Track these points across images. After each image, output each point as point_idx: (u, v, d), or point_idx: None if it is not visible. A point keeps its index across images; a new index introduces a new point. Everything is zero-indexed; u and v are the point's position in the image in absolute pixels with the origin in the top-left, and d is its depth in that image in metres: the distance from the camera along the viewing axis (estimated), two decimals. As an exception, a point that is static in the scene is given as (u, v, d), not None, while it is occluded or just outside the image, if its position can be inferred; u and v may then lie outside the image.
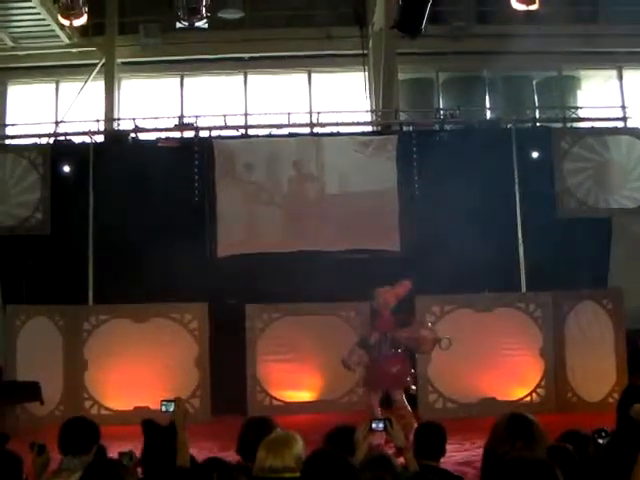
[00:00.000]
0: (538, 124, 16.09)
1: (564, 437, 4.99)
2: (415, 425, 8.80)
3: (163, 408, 5.55)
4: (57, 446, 5.18)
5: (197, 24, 13.40)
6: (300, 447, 4.38)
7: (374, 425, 4.95)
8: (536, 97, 17.96)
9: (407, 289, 10.85)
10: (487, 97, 17.95)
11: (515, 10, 13.03)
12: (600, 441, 4.93)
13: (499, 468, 3.54)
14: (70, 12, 13.23)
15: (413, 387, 10.88)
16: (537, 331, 13.33)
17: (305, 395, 13.37)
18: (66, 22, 13.48)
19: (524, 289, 14.15)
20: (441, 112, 16.32)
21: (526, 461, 3.61)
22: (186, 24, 13.35)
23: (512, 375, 13.08)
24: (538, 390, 13.16)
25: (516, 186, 14.47)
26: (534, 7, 11.74)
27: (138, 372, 12.86)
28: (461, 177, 13.75)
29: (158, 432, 5.57)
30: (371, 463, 4.34)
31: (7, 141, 16.06)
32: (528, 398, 13.08)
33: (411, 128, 15.38)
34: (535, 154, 14.81)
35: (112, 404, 13.11)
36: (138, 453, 5.79)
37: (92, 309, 13.96)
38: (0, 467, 4.27)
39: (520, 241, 14.24)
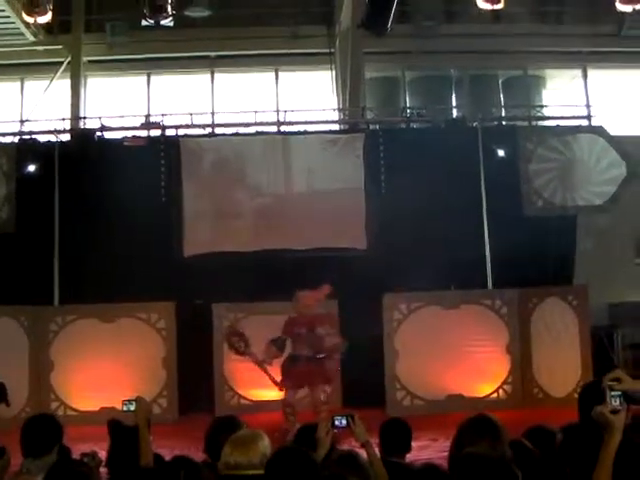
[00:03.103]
0: (504, 122, 16.18)
1: (529, 433, 5.04)
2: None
3: (124, 407, 5.54)
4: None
5: (162, 22, 13.35)
6: (266, 445, 4.40)
7: (337, 421, 4.98)
8: (502, 96, 18.06)
9: (327, 293, 11.12)
10: (454, 96, 18.03)
11: (482, 9, 13.13)
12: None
13: (457, 464, 3.59)
14: (34, 9, 13.12)
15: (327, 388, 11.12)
16: (503, 327, 13.46)
17: (272, 394, 13.34)
18: (30, 19, 13.35)
19: (490, 286, 14.23)
20: (408, 111, 16.39)
21: (482, 457, 3.66)
22: (152, 22, 13.29)
23: (479, 372, 13.19)
24: (505, 386, 13.29)
25: (482, 184, 14.52)
26: (499, 6, 11.83)
27: (105, 372, 12.80)
28: (428, 175, 13.84)
29: (124, 432, 5.55)
30: (338, 461, 4.37)
31: (-30, 140, 15.90)
32: (495, 394, 13.20)
33: (378, 127, 15.40)
34: (501, 152, 14.88)
35: (78, 405, 13.04)
36: (104, 453, 5.78)
37: (58, 309, 13.86)
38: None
39: (486, 238, 14.31)
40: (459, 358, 13.03)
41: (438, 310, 13.38)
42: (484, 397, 13.05)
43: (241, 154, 14.84)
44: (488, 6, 11.87)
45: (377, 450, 5.26)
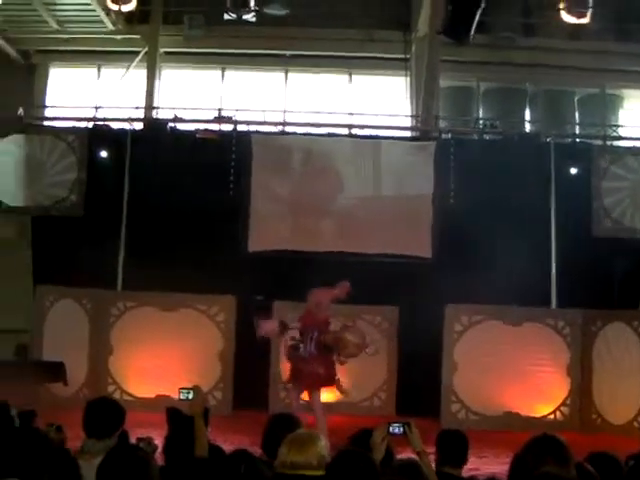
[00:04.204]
0: (578, 140, 15.92)
1: (592, 458, 4.91)
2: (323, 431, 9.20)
3: (182, 396, 5.55)
4: (80, 427, 5.17)
5: (245, 17, 13.39)
6: (323, 446, 4.34)
7: (391, 428, 4.90)
8: (577, 113, 17.77)
9: (346, 291, 10.87)
10: (527, 110, 17.80)
11: (562, 24, 12.92)
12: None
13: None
14: (119, -3, 13.27)
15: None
16: (565, 349, 13.21)
17: (327, 396, 13.29)
18: (115, 7, 13.50)
19: (554, 305, 13.99)
20: (481, 122, 16.22)
21: (556, 477, 3.56)
22: (234, 16, 13.33)
23: (537, 391, 12.96)
24: (562, 408, 13.05)
25: (552, 201, 14.30)
26: (585, 21, 11.60)
27: (162, 360, 12.91)
28: (497, 188, 13.66)
29: (183, 421, 5.54)
30: (400, 469, 4.30)
31: (46, 123, 16.16)
32: (552, 416, 12.96)
33: (450, 136, 15.25)
34: (573, 170, 14.62)
35: (134, 390, 13.18)
36: (157, 441, 5.78)
37: (120, 295, 14.00)
38: (29, 444, 4.22)
39: (553, 256, 14.07)
40: (518, 376, 12.83)
41: (500, 325, 13.20)
42: (541, 417, 12.83)
43: (312, 154, 14.82)
44: (573, 20, 11.64)
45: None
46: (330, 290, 10.82)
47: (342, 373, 13.12)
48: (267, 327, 10.83)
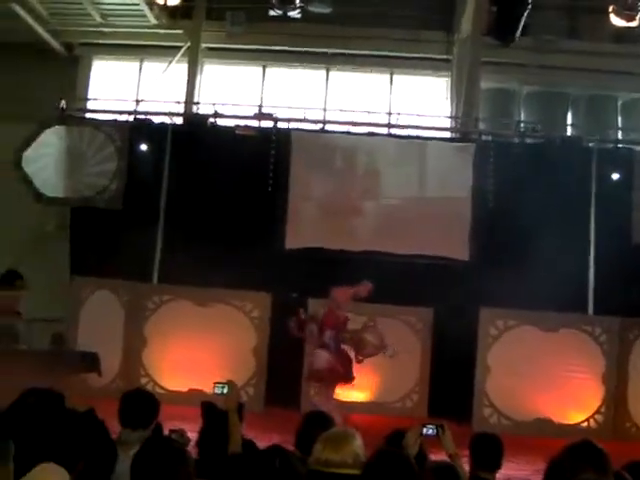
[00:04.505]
0: (620, 145, 15.72)
1: (631, 467, 4.83)
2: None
3: (216, 390, 5.57)
4: (111, 417, 5.19)
5: (290, 13, 13.38)
6: (358, 445, 4.31)
7: (425, 430, 4.89)
8: (620, 118, 17.56)
9: (368, 290, 10.89)
10: (569, 114, 17.61)
11: (606, 27, 12.76)
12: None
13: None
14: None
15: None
16: (601, 356, 13.08)
17: (359, 395, 13.29)
18: (161, 1, 13.56)
19: (591, 312, 13.84)
20: (522, 125, 16.08)
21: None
22: (280, 12, 13.33)
23: (571, 398, 12.84)
24: (596, 416, 12.92)
25: (592, 207, 14.15)
26: (634, 24, 11.44)
27: (195, 355, 12.97)
28: (537, 192, 13.51)
29: (217, 415, 5.55)
30: (436, 471, 4.27)
31: (89, 115, 16.29)
32: (585, 423, 12.84)
33: (490, 138, 15.14)
34: (615, 176, 14.44)
35: (167, 384, 13.25)
36: (189, 434, 5.79)
37: (156, 288, 14.09)
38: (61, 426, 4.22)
39: (591, 262, 13.94)
40: (552, 382, 12.72)
41: (535, 331, 13.09)
42: (574, 425, 12.70)
43: (351, 153, 14.79)
44: (622, 22, 11.48)
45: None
46: (351, 289, 10.90)
47: (375, 373, 13.21)
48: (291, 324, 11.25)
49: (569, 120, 17.56)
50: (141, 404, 5.37)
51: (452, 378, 13.09)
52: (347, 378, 11.13)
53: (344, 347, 11.20)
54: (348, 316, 11.20)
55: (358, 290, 11.04)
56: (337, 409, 10.30)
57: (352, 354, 11.23)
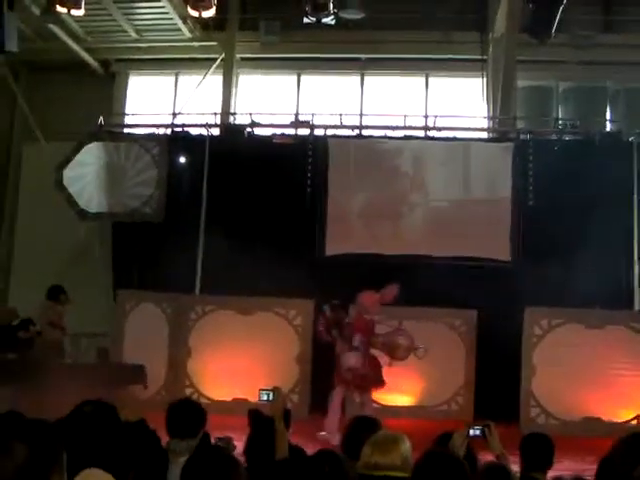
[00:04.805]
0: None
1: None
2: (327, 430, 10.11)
3: (263, 397, 5.59)
4: (159, 428, 5.24)
5: (324, 20, 13.44)
6: (407, 447, 4.31)
7: (472, 431, 4.89)
8: (660, 111, 17.32)
9: (394, 294, 10.86)
10: (608, 109, 17.42)
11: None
12: None
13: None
14: (200, 3, 13.44)
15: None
16: (648, 352, 12.89)
17: (404, 399, 13.25)
18: (195, 13, 13.70)
19: (637, 308, 13.66)
20: (560, 122, 15.94)
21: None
22: (313, 20, 13.39)
23: (619, 396, 12.62)
24: (646, 414, 12.72)
25: (635, 201, 13.98)
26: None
27: (239, 364, 12.99)
28: (577, 189, 13.41)
29: (264, 423, 5.56)
30: (489, 472, 4.24)
31: (127, 130, 16.47)
32: (635, 421, 12.62)
33: (528, 137, 15.03)
34: (657, 171, 14.28)
35: (212, 393, 13.28)
36: (236, 443, 5.81)
37: (199, 299, 14.16)
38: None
39: (636, 258, 13.76)
40: (599, 380, 12.54)
41: (580, 328, 12.91)
42: (623, 423, 12.49)
43: (389, 157, 14.77)
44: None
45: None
46: (378, 293, 10.92)
47: (420, 377, 13.16)
48: (320, 327, 11.40)
49: (608, 115, 17.37)
50: (188, 413, 5.41)
51: (498, 380, 12.98)
52: (378, 382, 11.15)
53: (373, 352, 11.21)
54: (375, 320, 11.22)
55: (384, 294, 11.06)
56: (337, 416, 10.40)
57: (383, 359, 11.24)
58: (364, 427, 5.27)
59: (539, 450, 5.66)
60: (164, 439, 5.31)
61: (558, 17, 10.15)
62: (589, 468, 4.83)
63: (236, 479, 4.09)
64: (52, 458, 3.28)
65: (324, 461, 4.32)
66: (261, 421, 5.68)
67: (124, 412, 4.67)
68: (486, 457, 5.10)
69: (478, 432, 4.97)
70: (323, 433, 10.47)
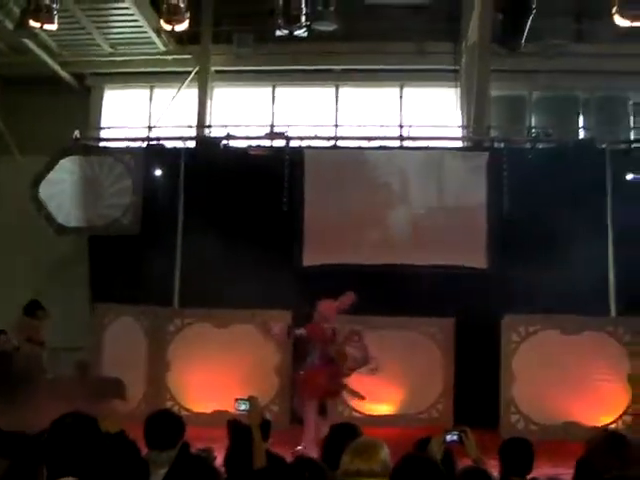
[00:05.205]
0: (634, 146, 15.67)
1: None
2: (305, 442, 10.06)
3: (241, 407, 5.62)
4: (140, 441, 5.22)
5: (296, 32, 13.48)
6: (386, 453, 4.34)
7: (448, 437, 4.93)
8: (632, 118, 17.51)
9: (350, 301, 10.93)
10: (581, 117, 17.58)
11: (612, 28, 12.73)
12: None
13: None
14: (173, 17, 13.45)
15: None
16: (625, 357, 12.98)
17: (384, 408, 13.28)
18: (168, 27, 13.70)
19: (613, 314, 13.77)
20: (533, 130, 16.07)
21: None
22: (286, 32, 13.43)
23: (598, 400, 12.74)
24: (624, 417, 12.80)
25: (609, 208, 14.09)
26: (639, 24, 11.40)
27: (219, 376, 12.98)
28: (552, 197, 13.50)
29: (243, 432, 5.57)
30: (467, 475, 4.27)
31: (102, 143, 16.43)
32: (614, 425, 12.73)
33: (502, 145, 15.14)
34: (630, 176, 14.41)
35: (192, 406, 13.27)
36: (217, 453, 5.81)
37: (177, 312, 14.14)
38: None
39: (610, 264, 13.86)
40: (577, 385, 12.64)
41: (557, 335, 13.03)
42: (602, 427, 12.58)
43: (365, 168, 14.82)
44: (627, 23, 11.43)
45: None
46: (336, 301, 10.97)
47: (399, 386, 13.20)
48: (276, 329, 11.41)
49: (581, 123, 17.53)
50: (166, 424, 5.40)
51: (477, 387, 13.05)
52: (330, 391, 11.13)
53: (331, 360, 11.16)
54: (335, 329, 11.23)
55: (341, 302, 11.11)
56: (318, 424, 10.39)
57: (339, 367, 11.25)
58: (344, 434, 5.29)
59: (518, 455, 5.68)
60: (144, 452, 5.30)
61: (528, 27, 10.24)
62: (568, 472, 4.87)
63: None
64: (31, 472, 3.28)
65: (304, 468, 4.35)
66: (239, 431, 5.69)
67: (104, 424, 4.65)
68: (465, 463, 5.14)
69: (455, 437, 5.03)
70: (299, 448, 10.43)
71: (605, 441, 4.26)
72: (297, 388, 11.46)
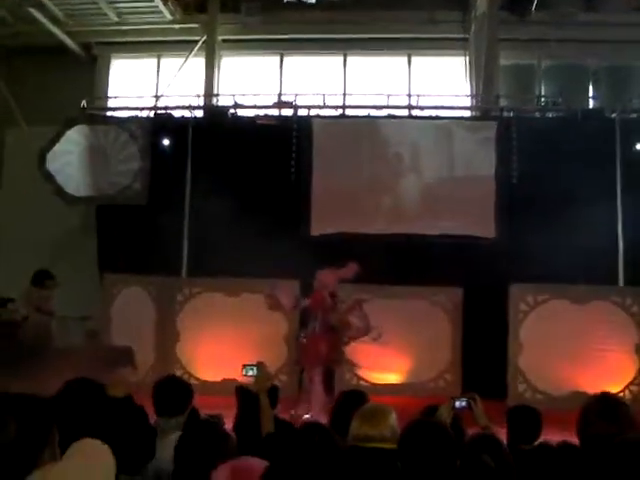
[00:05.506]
0: (644, 115, 15.55)
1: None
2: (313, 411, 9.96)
3: (248, 372, 5.62)
4: (150, 410, 5.25)
5: (304, 0, 13.37)
6: (394, 419, 4.36)
7: (457, 403, 4.96)
8: (642, 87, 17.36)
9: (353, 272, 10.93)
10: (590, 86, 17.46)
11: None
12: None
13: (613, 452, 3.43)
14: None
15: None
16: (633, 327, 12.97)
17: (392, 377, 13.32)
18: (175, -5, 13.62)
19: (621, 283, 13.75)
20: (543, 99, 15.97)
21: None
22: (294, 0, 13.32)
23: (605, 370, 12.71)
24: (631, 387, 12.82)
25: (618, 177, 14.02)
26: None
27: (228, 345, 13.02)
28: (561, 165, 13.44)
29: (251, 398, 5.60)
30: (479, 441, 4.28)
31: (109, 113, 16.40)
32: (621, 394, 12.73)
33: (511, 114, 15.05)
34: (639, 145, 14.33)
35: (201, 375, 13.34)
36: (226, 420, 5.84)
37: (185, 281, 14.19)
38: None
39: (619, 233, 13.83)
40: (585, 355, 12.65)
41: (566, 304, 13.02)
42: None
43: (373, 137, 14.75)
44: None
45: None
46: (337, 271, 10.98)
47: (407, 355, 13.23)
48: (283, 299, 11.38)
49: (590, 92, 17.41)
50: (174, 390, 5.43)
51: (485, 356, 13.06)
52: (331, 359, 11.18)
53: (332, 329, 11.18)
54: (336, 298, 11.23)
55: (344, 272, 11.11)
56: (321, 395, 10.43)
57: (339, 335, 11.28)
58: (352, 401, 5.31)
59: (526, 422, 5.71)
60: (152, 419, 5.32)
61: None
62: (575, 442, 4.87)
63: (227, 451, 4.14)
64: (43, 433, 3.30)
65: (313, 433, 4.37)
66: (248, 397, 5.72)
67: (111, 389, 4.68)
68: (472, 430, 5.15)
69: (464, 403, 5.03)
70: (307, 416, 10.46)
71: (597, 403, 4.25)
72: (299, 355, 11.50)
